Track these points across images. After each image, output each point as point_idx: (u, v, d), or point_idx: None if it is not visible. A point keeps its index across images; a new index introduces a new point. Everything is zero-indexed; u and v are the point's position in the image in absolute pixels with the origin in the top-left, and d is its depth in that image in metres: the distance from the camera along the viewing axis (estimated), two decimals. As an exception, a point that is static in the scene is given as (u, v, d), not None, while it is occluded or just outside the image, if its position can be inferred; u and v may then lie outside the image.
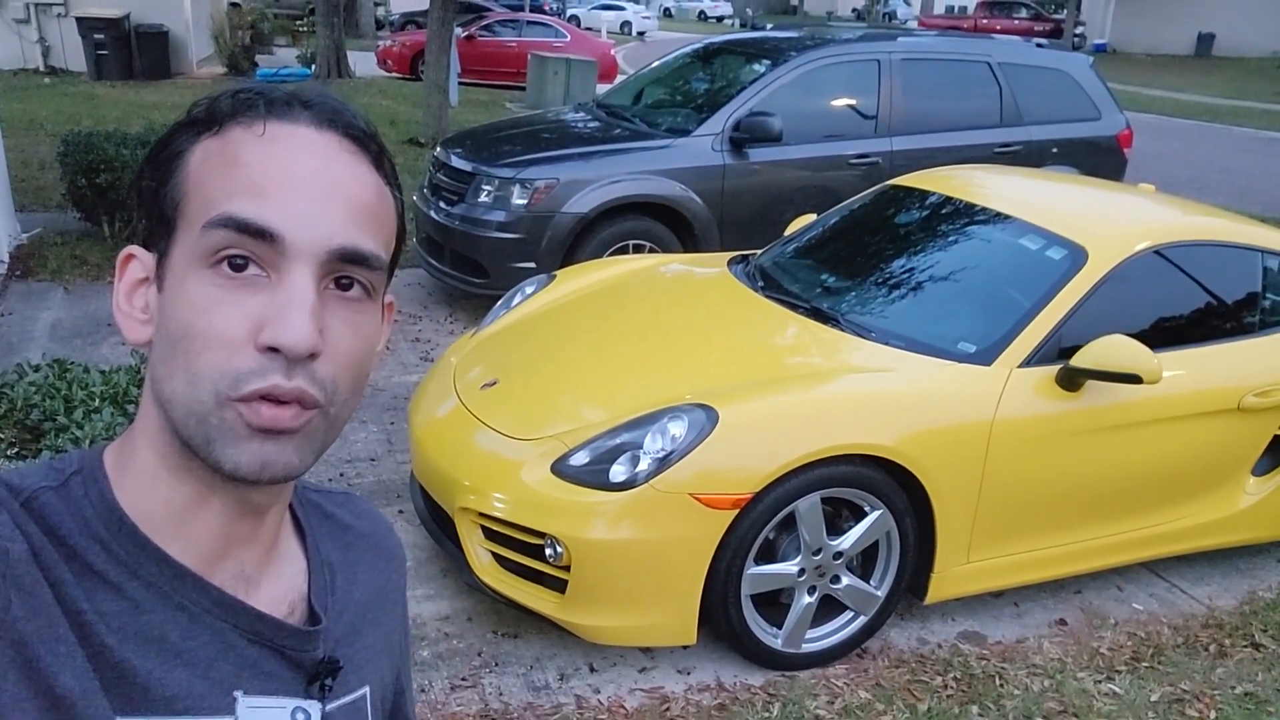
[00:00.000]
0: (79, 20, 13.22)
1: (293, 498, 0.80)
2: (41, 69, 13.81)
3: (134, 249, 0.70)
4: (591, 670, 2.92)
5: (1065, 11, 33.02)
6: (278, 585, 0.74)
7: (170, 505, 0.67)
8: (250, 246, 0.62)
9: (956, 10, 46.62)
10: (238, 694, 0.68)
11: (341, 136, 0.67)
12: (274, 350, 0.61)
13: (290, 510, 0.80)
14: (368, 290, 0.67)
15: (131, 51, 13.77)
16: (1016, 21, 35.49)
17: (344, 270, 0.65)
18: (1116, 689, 2.99)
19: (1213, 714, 2.92)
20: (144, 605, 0.65)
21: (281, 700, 0.71)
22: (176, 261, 0.65)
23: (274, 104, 0.66)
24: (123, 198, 6.05)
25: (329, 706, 0.74)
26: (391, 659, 0.86)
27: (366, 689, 0.80)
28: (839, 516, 2.97)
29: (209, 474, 0.65)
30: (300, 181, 0.64)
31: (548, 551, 2.77)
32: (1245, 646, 3.26)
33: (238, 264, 0.62)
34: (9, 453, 2.08)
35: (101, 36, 13.27)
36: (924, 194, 4.03)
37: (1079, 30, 32.72)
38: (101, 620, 0.63)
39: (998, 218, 3.65)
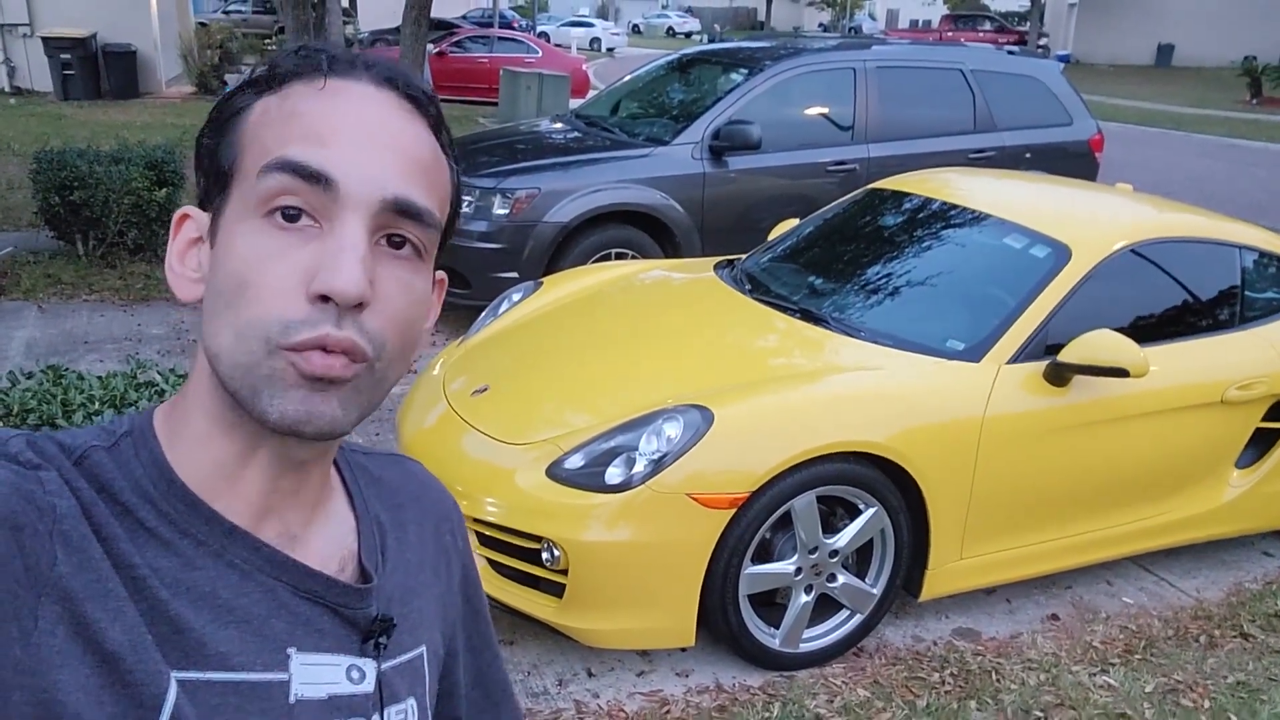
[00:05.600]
0: (45, 40, 13.05)
1: (339, 459, 0.80)
2: (7, 89, 13.64)
3: (189, 209, 0.70)
4: (590, 675, 2.90)
5: (1029, 24, 33.55)
6: (326, 543, 0.74)
7: (219, 464, 0.67)
8: (304, 193, 0.62)
9: (921, 24, 47.26)
10: (291, 651, 0.67)
11: (400, 96, 0.68)
12: (325, 300, 0.61)
13: (338, 470, 0.79)
14: (420, 250, 0.67)
15: (99, 71, 13.63)
16: (981, 34, 36.03)
17: (396, 224, 0.65)
18: (1111, 681, 3.01)
19: (1207, 703, 2.94)
20: (195, 562, 0.65)
21: (336, 658, 0.70)
22: (230, 215, 0.65)
23: (336, 61, 0.67)
24: (97, 215, 5.98)
25: (385, 665, 0.74)
26: (445, 621, 0.85)
27: (423, 649, 0.79)
28: (834, 515, 2.97)
29: (255, 427, 0.65)
30: (357, 131, 0.64)
31: (545, 555, 2.75)
32: (1234, 637, 3.30)
33: (290, 215, 0.62)
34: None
35: (68, 56, 13.12)
36: (908, 196, 4.06)
37: (1042, 42, 33.25)
38: (155, 575, 0.62)
39: (982, 218, 3.69)
